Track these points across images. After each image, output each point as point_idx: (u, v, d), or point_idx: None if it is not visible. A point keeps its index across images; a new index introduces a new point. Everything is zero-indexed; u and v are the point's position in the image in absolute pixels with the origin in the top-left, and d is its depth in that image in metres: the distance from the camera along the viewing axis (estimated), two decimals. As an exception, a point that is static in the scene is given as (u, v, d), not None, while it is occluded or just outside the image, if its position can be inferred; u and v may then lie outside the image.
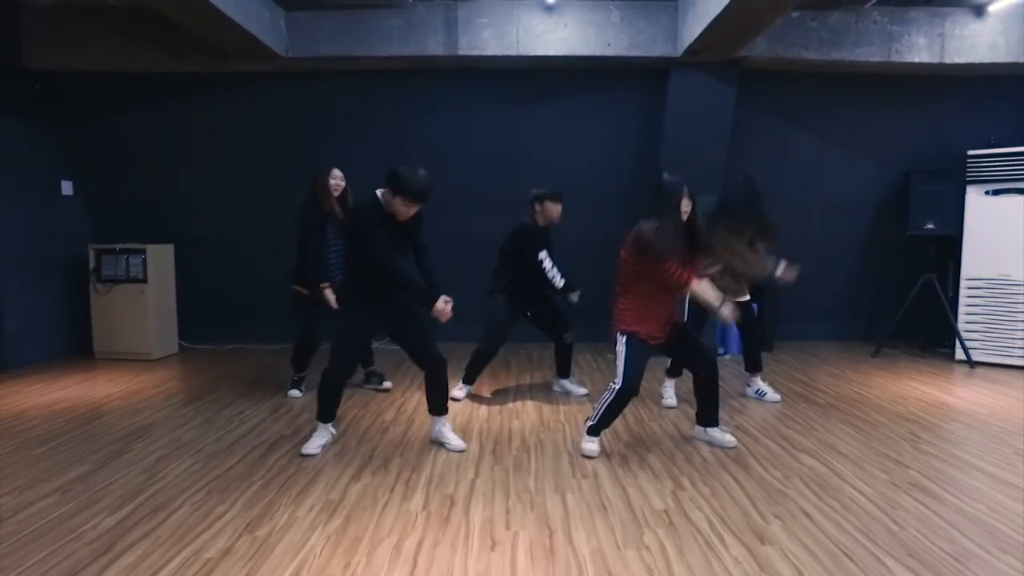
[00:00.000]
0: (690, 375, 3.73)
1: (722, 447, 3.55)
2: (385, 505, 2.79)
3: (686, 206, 3.33)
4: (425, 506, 2.79)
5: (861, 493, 2.93)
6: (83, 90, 5.99)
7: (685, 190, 3.32)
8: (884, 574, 2.26)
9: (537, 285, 4.38)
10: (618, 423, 3.95)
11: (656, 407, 4.32)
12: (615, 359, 3.40)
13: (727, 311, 3.34)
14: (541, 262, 4.27)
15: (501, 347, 4.57)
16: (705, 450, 3.50)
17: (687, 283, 3.25)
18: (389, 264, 3.20)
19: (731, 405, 4.40)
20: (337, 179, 4.32)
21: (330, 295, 4.12)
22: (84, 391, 4.71)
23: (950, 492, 2.95)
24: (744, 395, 4.67)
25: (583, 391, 4.64)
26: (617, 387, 3.34)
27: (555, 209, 4.34)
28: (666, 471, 3.19)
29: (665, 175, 3.45)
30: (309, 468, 3.21)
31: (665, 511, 2.74)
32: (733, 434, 3.69)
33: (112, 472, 3.14)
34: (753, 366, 4.59)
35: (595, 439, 3.46)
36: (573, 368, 4.80)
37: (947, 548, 2.44)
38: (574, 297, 4.41)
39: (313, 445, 3.43)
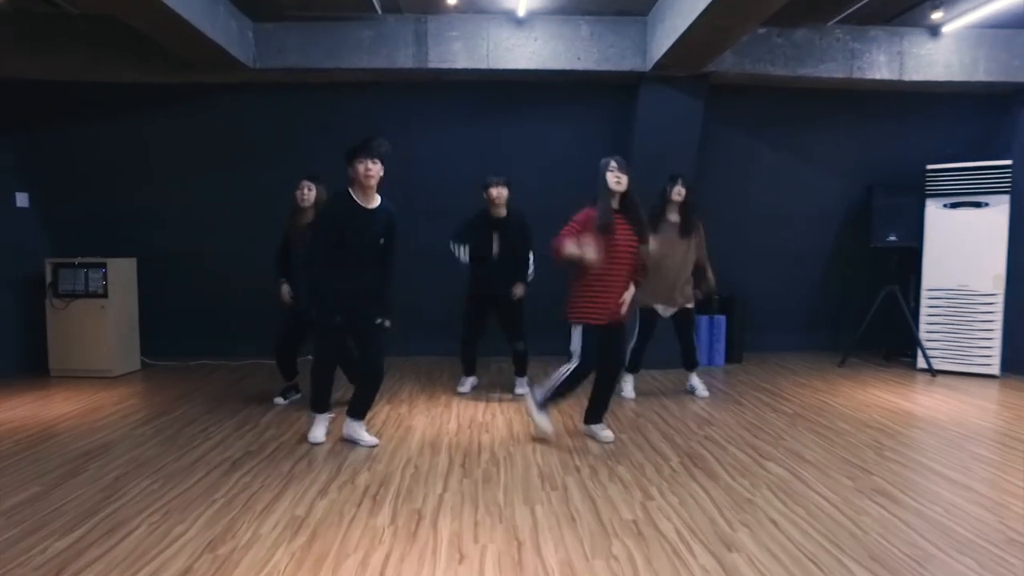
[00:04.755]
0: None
1: (603, 441, 3.82)
2: (352, 520, 2.74)
3: (615, 179, 3.59)
4: (393, 520, 2.74)
5: (826, 499, 2.96)
6: (40, 99, 5.85)
7: (612, 163, 3.61)
8: (849, 580, 2.28)
9: (495, 282, 4.66)
10: (588, 439, 3.96)
11: (625, 419, 4.32)
12: (571, 341, 3.71)
13: (590, 253, 3.49)
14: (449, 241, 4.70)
15: (472, 342, 4.91)
16: (675, 461, 3.51)
17: (557, 248, 3.52)
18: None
19: (699, 415, 4.43)
20: (303, 189, 4.38)
21: (285, 291, 4.48)
22: (37, 410, 4.54)
23: (910, 496, 3.00)
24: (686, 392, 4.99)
25: (522, 391, 4.85)
26: (573, 366, 3.66)
27: (488, 193, 4.64)
28: (635, 482, 3.19)
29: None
30: (275, 484, 3.14)
31: (634, 521, 2.74)
32: (701, 444, 3.74)
33: (65, 493, 3.03)
34: (689, 364, 4.95)
35: (545, 415, 3.80)
36: (529, 371, 5.03)
37: (908, 551, 2.47)
38: (517, 291, 4.70)
39: (319, 434, 3.73)
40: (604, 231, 3.57)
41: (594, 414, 3.94)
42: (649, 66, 5.46)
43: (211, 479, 3.21)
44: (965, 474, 3.30)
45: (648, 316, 4.79)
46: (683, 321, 4.85)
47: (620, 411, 4.47)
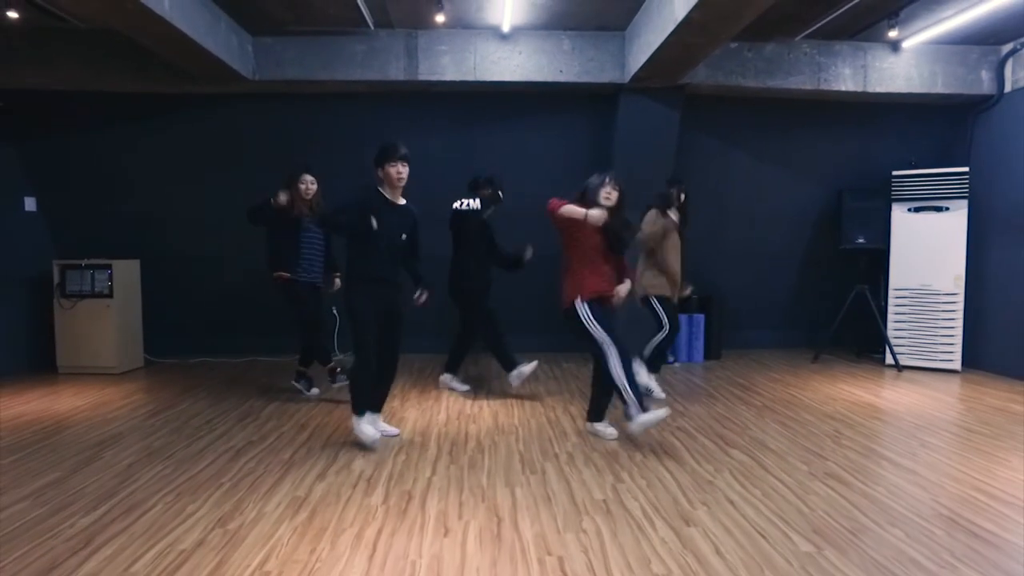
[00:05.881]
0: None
1: (605, 439, 3.97)
2: (348, 500, 3.02)
3: (606, 194, 3.79)
4: (385, 500, 3.02)
5: (781, 482, 3.26)
6: (48, 108, 6.09)
7: (607, 179, 3.82)
8: (790, 548, 2.57)
9: (474, 273, 4.97)
10: (569, 426, 4.25)
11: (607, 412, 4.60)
12: (585, 328, 3.82)
13: (596, 213, 3.71)
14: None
15: (475, 333, 5.12)
16: (646, 448, 3.80)
17: (553, 208, 3.78)
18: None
19: (674, 408, 4.72)
20: (307, 183, 4.74)
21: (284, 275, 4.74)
22: (49, 404, 4.81)
23: (858, 479, 3.30)
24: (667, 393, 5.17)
25: (464, 387, 5.20)
26: (606, 346, 3.77)
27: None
28: (608, 467, 3.48)
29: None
30: (276, 469, 3.41)
31: (604, 500, 3.02)
32: (672, 433, 4.04)
33: (84, 478, 3.30)
34: (651, 366, 5.07)
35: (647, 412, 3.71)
36: (461, 367, 5.36)
37: (846, 524, 2.77)
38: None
39: (369, 436, 3.73)
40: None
41: (590, 410, 4.11)
42: (627, 78, 5.75)
43: (218, 465, 3.48)
44: (911, 459, 3.60)
45: (670, 305, 4.94)
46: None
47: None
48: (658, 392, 5.00)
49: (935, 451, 3.76)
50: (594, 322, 3.78)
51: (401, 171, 3.70)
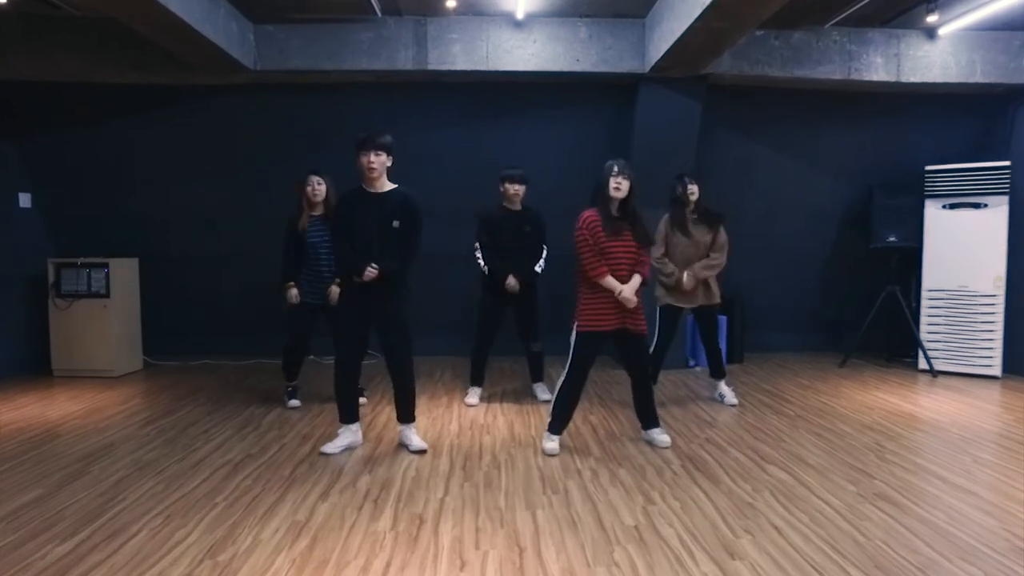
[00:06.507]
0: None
1: (659, 446, 3.77)
2: (353, 525, 2.74)
3: (615, 185, 3.57)
4: (393, 525, 2.75)
5: (828, 504, 2.97)
6: (42, 100, 5.85)
7: (615, 168, 3.58)
8: (850, 586, 2.29)
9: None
10: (589, 437, 3.97)
11: (627, 421, 4.31)
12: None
13: (628, 295, 3.59)
14: (475, 249, 4.59)
15: (489, 345, 4.76)
16: (676, 464, 3.51)
17: (596, 275, 3.57)
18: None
19: (700, 417, 4.43)
20: (313, 184, 4.44)
21: (293, 294, 4.46)
22: (41, 411, 4.56)
23: (912, 501, 3.00)
24: (713, 399, 4.85)
25: (547, 396, 4.67)
26: (562, 377, 3.71)
27: (507, 190, 4.58)
28: (637, 486, 3.19)
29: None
30: (276, 487, 3.15)
31: (636, 527, 2.74)
32: (702, 446, 3.76)
33: (68, 496, 3.03)
34: (716, 372, 4.82)
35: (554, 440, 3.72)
36: (545, 374, 4.94)
37: (911, 558, 2.47)
38: (512, 284, 4.56)
39: (333, 444, 3.64)
40: (613, 234, 3.59)
41: (643, 418, 3.88)
42: (647, 68, 5.45)
43: (213, 481, 3.22)
44: (968, 478, 3.30)
45: (669, 314, 4.73)
46: (704, 322, 4.76)
47: (623, 413, 4.46)
48: (730, 398, 4.76)
49: (990, 468, 3.45)
50: (574, 352, 3.68)
51: (373, 161, 3.45)
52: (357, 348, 3.67)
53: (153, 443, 3.83)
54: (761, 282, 6.56)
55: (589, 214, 3.64)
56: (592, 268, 3.58)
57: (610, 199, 3.61)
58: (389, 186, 3.59)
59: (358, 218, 3.52)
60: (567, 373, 3.70)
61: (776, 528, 2.73)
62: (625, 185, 3.59)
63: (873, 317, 5.97)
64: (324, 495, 3.06)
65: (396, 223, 3.51)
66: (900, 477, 3.31)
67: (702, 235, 4.65)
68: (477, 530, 2.71)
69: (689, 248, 4.62)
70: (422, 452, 3.65)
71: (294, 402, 4.66)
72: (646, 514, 2.86)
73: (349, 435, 3.71)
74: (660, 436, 3.81)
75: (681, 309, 4.74)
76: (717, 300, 4.74)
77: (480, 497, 3.05)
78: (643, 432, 3.90)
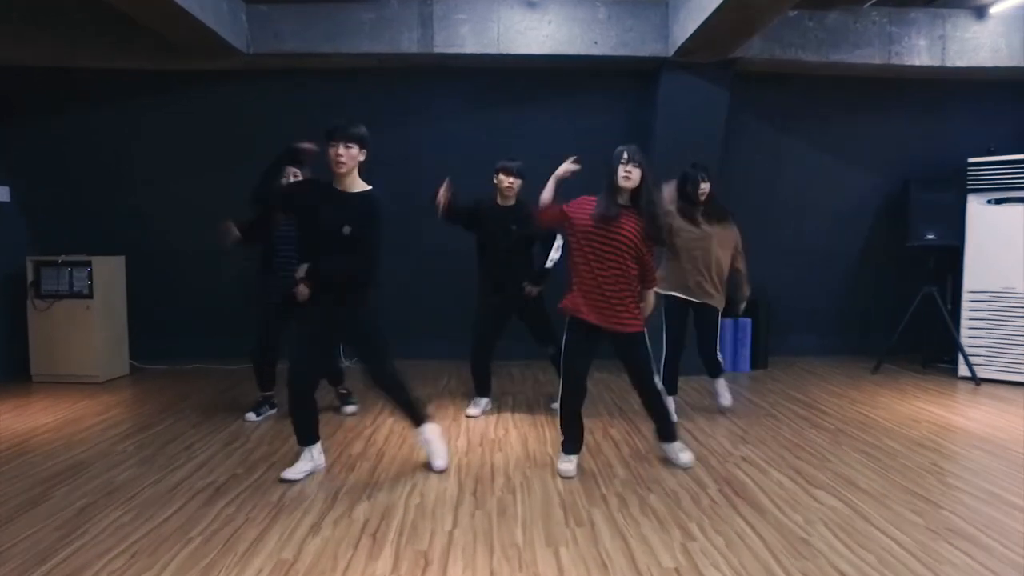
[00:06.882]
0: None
1: (680, 465, 3.39)
2: (348, 566, 2.36)
3: (624, 173, 3.18)
4: (395, 567, 2.36)
5: (896, 542, 2.57)
6: (21, 86, 5.49)
7: (625, 155, 3.19)
8: (943, 652, 1.89)
9: (514, 279, 4.19)
10: (612, 455, 3.58)
11: (651, 435, 3.90)
12: None
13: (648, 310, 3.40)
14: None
15: (489, 351, 4.35)
16: (712, 488, 3.12)
17: (540, 215, 3.37)
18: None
19: (731, 431, 4.05)
20: (289, 177, 3.95)
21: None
22: (11, 422, 4.19)
23: (994, 539, 2.60)
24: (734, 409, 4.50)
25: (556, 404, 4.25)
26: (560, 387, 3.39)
27: (500, 181, 4.19)
28: (672, 517, 2.80)
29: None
30: (261, 516, 2.77)
31: (676, 569, 2.35)
32: (738, 466, 3.37)
33: (22, 527, 2.66)
34: (713, 372, 4.45)
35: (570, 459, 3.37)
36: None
37: (1010, 615, 2.08)
38: (532, 291, 4.24)
39: (294, 469, 3.21)
40: (601, 222, 3.17)
41: (656, 430, 3.50)
42: (671, 51, 5.05)
43: (189, 509, 2.84)
44: (1046, 508, 2.90)
45: (673, 310, 4.21)
46: (703, 320, 4.26)
47: (646, 426, 4.06)
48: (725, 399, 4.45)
49: (1069, 495, 3.05)
50: (564, 348, 3.32)
51: (341, 154, 3.00)
52: (309, 354, 3.22)
53: (128, 461, 3.45)
54: (786, 281, 6.15)
55: (585, 196, 3.31)
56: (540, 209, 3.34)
57: (619, 189, 3.19)
58: (359, 187, 3.12)
59: (308, 214, 3.09)
60: (561, 379, 3.37)
61: (841, 573, 2.33)
62: (636, 174, 3.16)
63: (908, 320, 5.57)
64: (315, 527, 2.68)
65: (347, 229, 3.03)
66: (972, 507, 2.91)
67: (710, 227, 4.15)
68: (491, 573, 2.32)
69: (699, 240, 4.11)
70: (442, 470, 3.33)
71: (271, 412, 4.30)
72: (686, 553, 2.48)
73: (309, 459, 3.26)
74: (682, 454, 3.41)
75: (689, 303, 4.20)
76: (720, 304, 4.23)
77: (494, 530, 2.67)
78: (657, 446, 3.52)
